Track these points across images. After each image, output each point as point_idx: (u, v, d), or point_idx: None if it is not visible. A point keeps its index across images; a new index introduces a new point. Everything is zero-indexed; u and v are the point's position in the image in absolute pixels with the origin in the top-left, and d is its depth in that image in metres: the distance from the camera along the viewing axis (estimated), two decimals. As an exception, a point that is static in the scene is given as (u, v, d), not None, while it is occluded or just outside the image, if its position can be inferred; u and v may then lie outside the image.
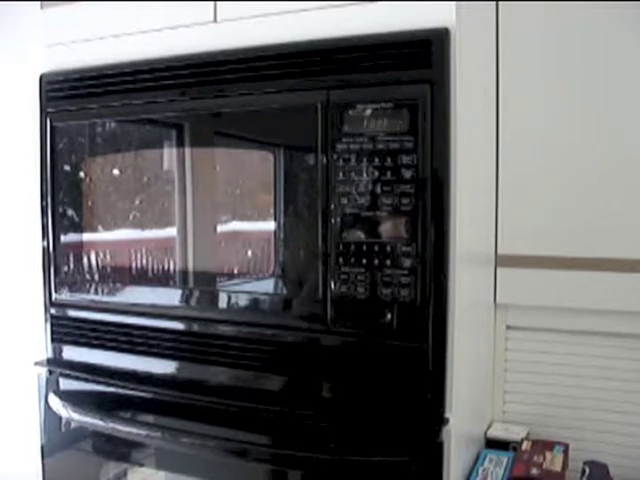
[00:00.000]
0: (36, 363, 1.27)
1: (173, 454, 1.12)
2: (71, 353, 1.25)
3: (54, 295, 1.25)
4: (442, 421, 0.93)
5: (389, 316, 0.93)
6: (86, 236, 1.22)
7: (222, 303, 1.08)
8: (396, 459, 0.92)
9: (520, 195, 1.17)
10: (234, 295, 1.07)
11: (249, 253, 1.12)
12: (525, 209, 1.17)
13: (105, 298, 1.20)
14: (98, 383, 1.19)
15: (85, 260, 1.22)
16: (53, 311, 1.26)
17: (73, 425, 1.24)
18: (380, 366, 0.95)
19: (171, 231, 1.13)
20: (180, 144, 1.13)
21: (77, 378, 1.22)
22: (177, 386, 1.12)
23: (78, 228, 1.22)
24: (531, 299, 1.18)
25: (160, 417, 1.13)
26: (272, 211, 1.05)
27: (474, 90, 1.05)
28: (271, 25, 1.02)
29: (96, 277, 1.21)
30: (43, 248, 1.25)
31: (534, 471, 1.03)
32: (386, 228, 0.93)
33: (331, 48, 0.97)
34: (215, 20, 1.08)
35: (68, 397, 1.21)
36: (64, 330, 1.25)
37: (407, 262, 0.92)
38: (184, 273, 1.13)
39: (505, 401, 1.26)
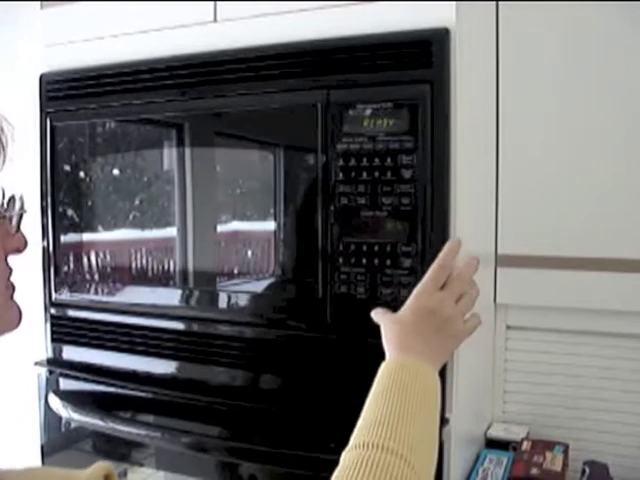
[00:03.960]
0: (36, 363, 1.27)
1: (173, 454, 1.12)
2: (71, 353, 1.25)
3: (54, 295, 1.25)
4: (442, 421, 0.93)
5: (389, 316, 0.93)
6: (86, 236, 1.22)
7: (222, 303, 1.08)
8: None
9: (520, 195, 1.17)
10: (234, 295, 1.07)
11: (249, 253, 1.12)
12: (525, 209, 1.17)
13: (105, 298, 1.20)
14: (98, 383, 1.19)
15: (85, 260, 1.22)
16: (53, 311, 1.26)
17: (73, 425, 1.24)
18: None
19: (171, 231, 1.13)
20: (180, 144, 1.13)
21: (77, 378, 1.22)
22: (177, 386, 1.12)
23: (78, 228, 1.22)
24: (531, 299, 1.18)
25: (160, 417, 1.13)
26: (272, 211, 1.05)
27: (474, 90, 1.05)
28: (271, 25, 1.02)
29: (96, 277, 1.21)
30: (43, 248, 1.25)
31: (534, 471, 1.03)
32: (386, 228, 0.93)
33: (331, 48, 0.97)
34: (215, 20, 1.08)
35: (68, 397, 1.21)
36: (64, 330, 1.25)
37: (407, 262, 0.92)
38: (184, 273, 1.13)
39: (505, 401, 1.26)
